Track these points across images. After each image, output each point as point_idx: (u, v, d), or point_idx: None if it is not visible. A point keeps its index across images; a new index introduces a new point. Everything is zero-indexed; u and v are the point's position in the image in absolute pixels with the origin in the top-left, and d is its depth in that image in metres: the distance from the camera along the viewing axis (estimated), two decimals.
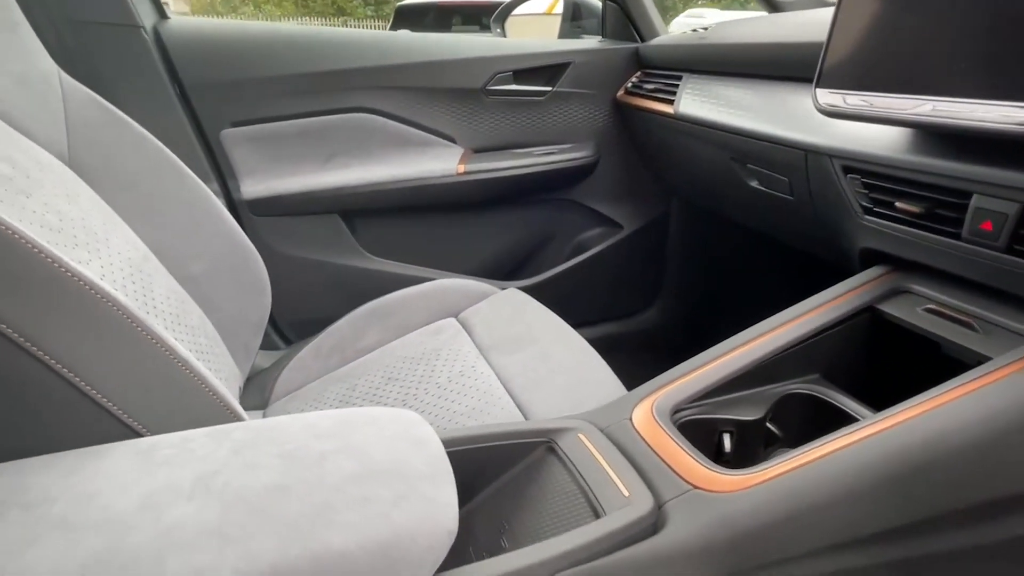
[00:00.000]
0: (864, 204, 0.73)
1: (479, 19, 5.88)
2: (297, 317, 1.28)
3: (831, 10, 0.68)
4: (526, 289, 1.17)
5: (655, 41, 1.32)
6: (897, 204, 0.68)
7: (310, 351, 0.92)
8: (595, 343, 0.85)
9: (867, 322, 0.69)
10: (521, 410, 0.73)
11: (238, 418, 0.49)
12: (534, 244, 1.45)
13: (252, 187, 1.20)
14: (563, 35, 1.98)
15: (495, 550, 0.46)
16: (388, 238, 1.33)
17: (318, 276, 1.28)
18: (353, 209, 1.28)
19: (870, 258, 0.75)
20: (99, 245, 0.63)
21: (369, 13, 14.35)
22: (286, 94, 1.18)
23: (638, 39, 1.36)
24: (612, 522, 0.47)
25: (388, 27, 6.45)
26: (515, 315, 0.92)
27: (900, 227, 0.68)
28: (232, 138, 1.17)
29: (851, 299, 0.69)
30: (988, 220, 0.58)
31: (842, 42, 0.67)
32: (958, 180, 0.60)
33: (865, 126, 0.70)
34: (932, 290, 0.67)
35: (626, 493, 0.50)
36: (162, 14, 1.14)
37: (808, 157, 0.82)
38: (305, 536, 0.36)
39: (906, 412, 0.52)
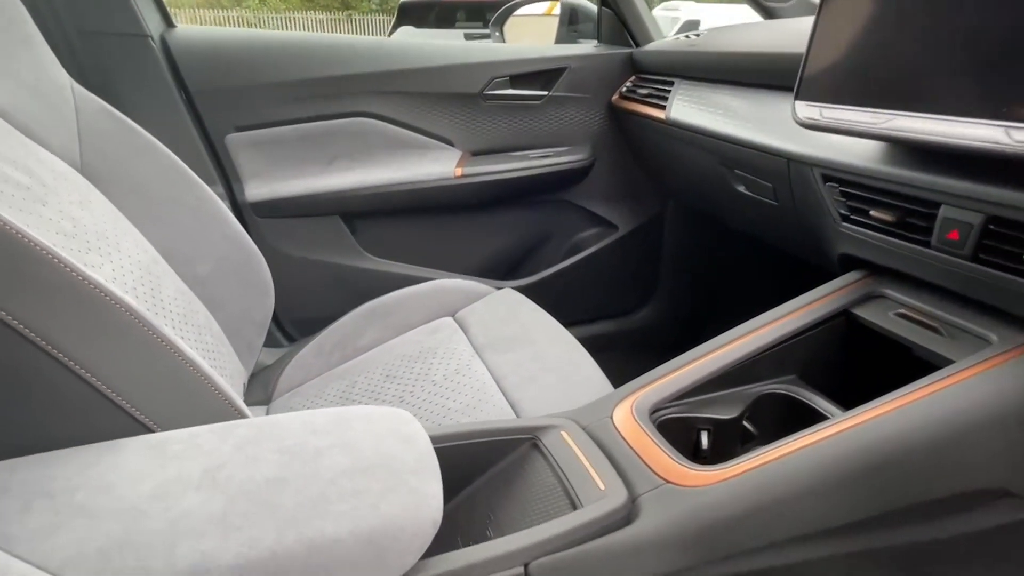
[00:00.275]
0: (842, 212, 0.76)
1: (483, 15, 5.84)
2: (299, 316, 1.31)
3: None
4: (522, 289, 1.20)
5: (649, 46, 1.34)
6: (872, 212, 0.70)
7: (312, 349, 0.94)
8: (590, 342, 0.87)
9: (843, 325, 0.71)
10: (512, 407, 0.75)
11: (242, 415, 0.52)
12: (531, 244, 1.47)
13: (256, 190, 1.22)
14: (560, 39, 2.00)
15: (481, 539, 0.49)
16: (388, 239, 1.35)
17: (320, 276, 1.30)
18: (354, 211, 1.30)
19: (848, 263, 0.78)
20: (111, 249, 0.66)
21: (374, 7, 14.27)
22: (288, 100, 1.20)
23: (632, 44, 1.37)
24: (587, 513, 0.50)
25: (392, 23, 6.43)
26: (510, 315, 0.94)
27: (875, 234, 0.71)
28: (236, 143, 1.20)
29: (828, 303, 0.72)
30: (955, 230, 0.61)
31: (820, 56, 0.69)
32: (928, 191, 0.63)
33: (843, 137, 0.73)
34: (904, 295, 0.70)
35: (602, 486, 0.53)
36: (169, 23, 1.17)
37: (791, 165, 0.84)
38: (301, 524, 0.39)
39: (872, 411, 0.55)
